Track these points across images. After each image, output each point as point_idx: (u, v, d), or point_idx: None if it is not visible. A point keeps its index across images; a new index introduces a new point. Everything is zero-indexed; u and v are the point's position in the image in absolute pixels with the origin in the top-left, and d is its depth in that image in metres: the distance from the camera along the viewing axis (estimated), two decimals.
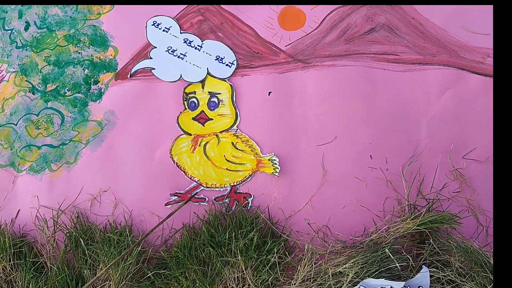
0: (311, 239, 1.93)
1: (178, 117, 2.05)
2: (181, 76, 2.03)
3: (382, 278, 1.65)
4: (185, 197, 2.01)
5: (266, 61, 2.05)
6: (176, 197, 2.02)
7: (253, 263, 1.83)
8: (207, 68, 2.02)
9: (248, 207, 2.00)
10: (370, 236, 1.84)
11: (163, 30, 2.03)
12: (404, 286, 1.61)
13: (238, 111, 2.03)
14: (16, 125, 2.13)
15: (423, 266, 1.67)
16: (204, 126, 2.04)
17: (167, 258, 1.90)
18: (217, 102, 2.04)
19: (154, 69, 2.02)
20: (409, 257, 1.69)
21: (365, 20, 2.05)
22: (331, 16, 2.05)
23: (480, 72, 1.99)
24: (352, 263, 1.72)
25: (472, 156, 1.97)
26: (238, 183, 2.02)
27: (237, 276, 1.84)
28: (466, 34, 2.01)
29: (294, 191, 2.00)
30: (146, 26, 2.05)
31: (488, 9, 2.02)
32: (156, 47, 2.04)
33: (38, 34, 2.14)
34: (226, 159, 2.02)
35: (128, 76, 2.01)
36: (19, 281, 1.94)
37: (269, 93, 2.04)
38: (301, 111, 2.03)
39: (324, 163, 1.99)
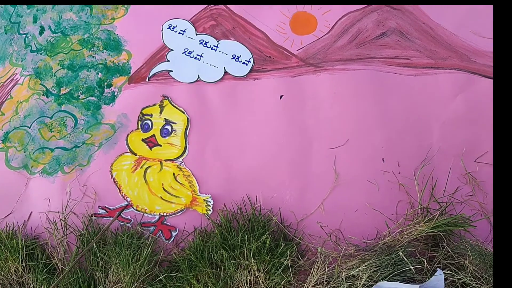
0: (324, 242, 1.92)
1: (128, 134, 2.06)
2: (198, 77, 2.05)
3: (396, 281, 1.64)
4: (113, 214, 2.02)
5: (278, 65, 2.07)
6: (104, 211, 2.03)
7: (266, 266, 1.82)
8: (224, 68, 2.04)
9: (170, 242, 2.00)
10: (383, 240, 1.84)
11: (179, 33, 2.06)
12: None
13: (187, 145, 2.04)
14: (29, 127, 2.15)
15: (438, 269, 1.66)
16: (151, 150, 2.05)
17: (179, 260, 1.90)
18: (170, 130, 2.05)
19: (172, 71, 2.04)
20: (423, 259, 1.68)
21: (376, 24, 2.07)
22: (342, 21, 2.07)
23: (491, 76, 1.99)
24: (365, 266, 1.71)
25: (485, 160, 1.96)
26: (167, 214, 2.02)
27: (250, 279, 1.83)
28: (477, 38, 2.03)
29: (306, 194, 2.00)
30: (162, 30, 2.08)
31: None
32: (172, 50, 2.07)
33: (53, 38, 2.17)
34: (163, 187, 2.02)
35: (147, 79, 2.04)
36: (31, 283, 1.94)
37: (281, 96, 2.05)
38: (313, 115, 2.03)
39: (336, 166, 1.99)
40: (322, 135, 2.02)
